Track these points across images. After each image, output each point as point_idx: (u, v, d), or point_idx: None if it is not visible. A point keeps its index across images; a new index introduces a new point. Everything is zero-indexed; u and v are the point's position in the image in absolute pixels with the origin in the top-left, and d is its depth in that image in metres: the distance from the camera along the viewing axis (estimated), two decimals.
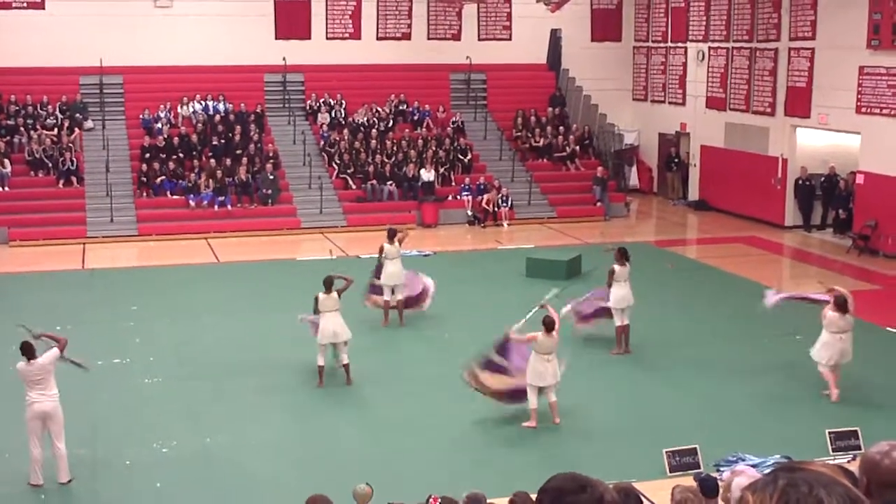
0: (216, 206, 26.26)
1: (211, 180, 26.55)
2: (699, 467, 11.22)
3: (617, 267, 15.78)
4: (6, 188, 25.90)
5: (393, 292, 17.37)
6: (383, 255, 17.26)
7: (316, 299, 14.56)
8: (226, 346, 16.44)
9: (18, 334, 11.86)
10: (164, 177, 26.65)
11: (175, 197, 26.48)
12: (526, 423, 12.98)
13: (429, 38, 31.30)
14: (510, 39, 31.79)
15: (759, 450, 11.84)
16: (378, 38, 30.90)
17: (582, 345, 15.91)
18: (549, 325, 12.94)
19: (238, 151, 27.58)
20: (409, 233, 19.69)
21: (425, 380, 15.01)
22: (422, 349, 16.58)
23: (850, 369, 14.33)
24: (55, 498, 11.14)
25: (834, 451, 11.77)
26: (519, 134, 30.17)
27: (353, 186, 27.67)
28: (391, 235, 17.44)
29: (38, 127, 27.44)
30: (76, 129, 27.65)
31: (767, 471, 2.55)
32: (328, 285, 14.60)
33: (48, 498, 11.10)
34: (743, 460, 11.39)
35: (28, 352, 11.29)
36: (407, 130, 29.46)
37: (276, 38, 30.08)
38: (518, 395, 13.15)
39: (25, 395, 11.27)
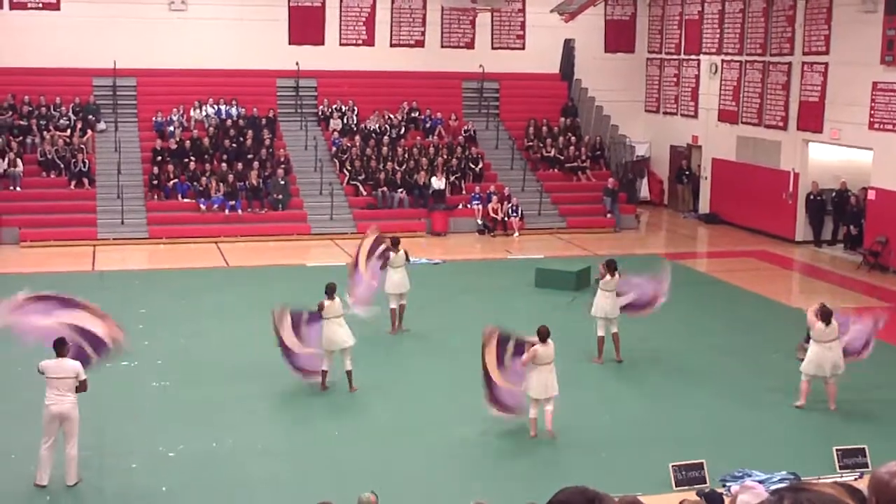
0: (227, 211, 26.30)
1: (222, 184, 26.60)
2: (705, 482, 11.18)
3: (607, 276, 15.84)
4: (18, 188, 25.99)
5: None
6: (389, 263, 17.29)
7: (321, 306, 14.51)
8: (233, 351, 16.45)
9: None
10: (176, 180, 26.71)
11: (186, 200, 26.54)
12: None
13: (442, 46, 31.34)
14: (523, 49, 31.82)
15: (766, 465, 11.79)
16: (391, 45, 30.96)
17: (585, 357, 15.91)
18: (543, 335, 12.89)
19: (249, 156, 27.63)
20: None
21: (430, 388, 14.99)
22: (427, 358, 16.55)
23: (857, 385, 14.31)
24: (61, 499, 11.12)
25: (841, 468, 11.71)
26: (530, 143, 30.15)
27: (364, 193, 27.69)
28: (395, 243, 17.46)
29: (50, 128, 27.54)
30: (89, 131, 27.74)
31: (774, 487, 2.55)
32: (331, 291, 14.56)
33: (53, 499, 11.09)
34: (749, 475, 11.34)
35: (59, 348, 11.28)
36: (418, 138, 29.48)
37: (290, 44, 30.16)
38: (500, 400, 12.83)
39: (45, 396, 11.25)
